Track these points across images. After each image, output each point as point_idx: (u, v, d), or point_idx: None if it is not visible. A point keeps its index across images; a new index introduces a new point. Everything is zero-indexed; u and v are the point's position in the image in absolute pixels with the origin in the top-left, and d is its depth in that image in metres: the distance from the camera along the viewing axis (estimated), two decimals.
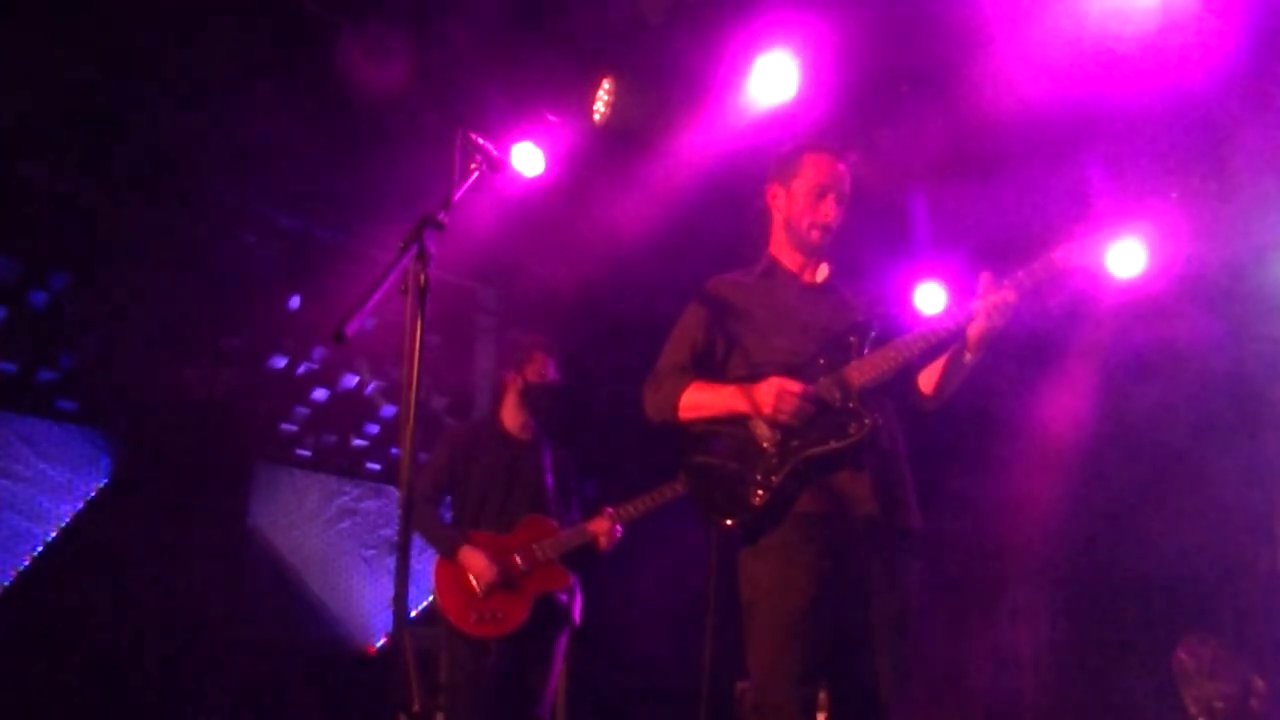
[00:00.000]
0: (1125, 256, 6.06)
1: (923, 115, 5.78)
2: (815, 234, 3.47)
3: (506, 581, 4.85)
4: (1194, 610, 6.64)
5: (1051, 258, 3.31)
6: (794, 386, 3.20)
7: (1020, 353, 6.80)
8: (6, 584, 6.04)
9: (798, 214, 3.48)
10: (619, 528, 4.98)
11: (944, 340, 3.30)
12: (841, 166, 3.50)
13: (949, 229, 6.63)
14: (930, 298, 6.89)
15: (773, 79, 5.47)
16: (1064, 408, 7.01)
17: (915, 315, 3.61)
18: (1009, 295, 3.22)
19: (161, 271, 6.41)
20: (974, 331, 3.25)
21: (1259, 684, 6.04)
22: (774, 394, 3.19)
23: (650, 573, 6.66)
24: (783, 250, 3.58)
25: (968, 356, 3.33)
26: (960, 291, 6.82)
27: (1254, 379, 6.58)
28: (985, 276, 3.27)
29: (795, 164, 3.51)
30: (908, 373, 3.41)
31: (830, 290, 3.53)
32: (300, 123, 5.47)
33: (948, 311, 3.35)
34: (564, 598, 5.02)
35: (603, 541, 4.97)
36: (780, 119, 5.54)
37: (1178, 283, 6.20)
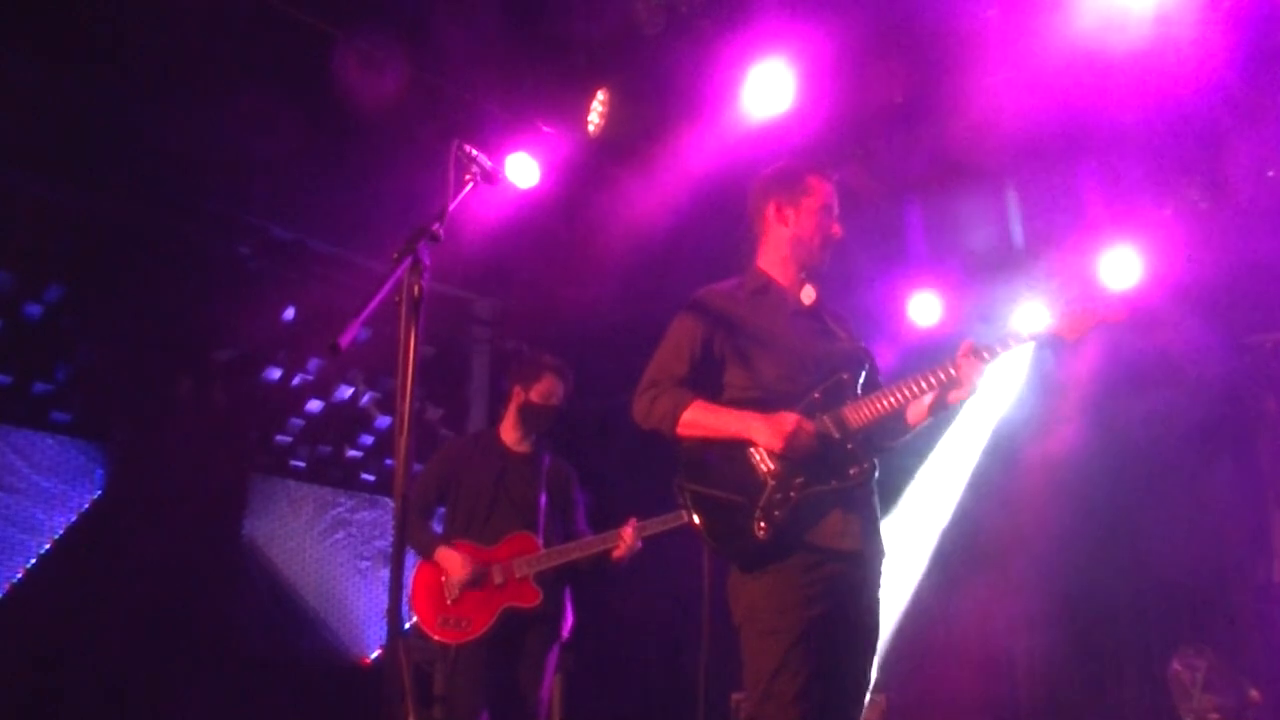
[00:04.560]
0: (1120, 268, 6.08)
1: (918, 126, 5.80)
2: (825, 254, 3.58)
3: (478, 590, 4.88)
4: (1189, 621, 6.64)
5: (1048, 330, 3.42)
6: (809, 426, 3.26)
7: (1015, 360, 6.81)
8: (0, 596, 6.02)
9: (810, 231, 3.55)
10: (639, 542, 4.96)
11: (929, 392, 3.37)
12: (833, 188, 3.61)
13: (944, 239, 6.64)
14: (925, 308, 6.90)
15: (768, 90, 5.48)
16: (1059, 417, 7.01)
17: (873, 351, 3.64)
18: (982, 367, 3.34)
19: (156, 283, 6.40)
20: (954, 398, 3.39)
21: (1254, 695, 6.03)
22: (790, 432, 3.24)
23: (646, 587, 6.65)
24: (777, 267, 3.60)
25: (930, 417, 3.47)
26: (954, 302, 6.83)
27: (1248, 389, 6.58)
28: (966, 345, 3.35)
29: (802, 182, 3.58)
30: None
31: (816, 315, 3.57)
32: (295, 134, 5.47)
33: (936, 366, 3.37)
34: (553, 612, 5.01)
35: (621, 550, 4.95)
36: (776, 130, 5.55)
37: (1172, 293, 6.20)
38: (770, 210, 3.59)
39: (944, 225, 6.64)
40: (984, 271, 6.65)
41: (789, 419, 3.25)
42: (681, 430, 3.39)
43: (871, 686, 3.37)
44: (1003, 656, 7.35)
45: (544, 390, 5.14)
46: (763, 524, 3.25)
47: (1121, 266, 6.09)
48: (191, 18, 5.03)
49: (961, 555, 7.42)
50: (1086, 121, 5.62)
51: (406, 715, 5.08)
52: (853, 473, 3.31)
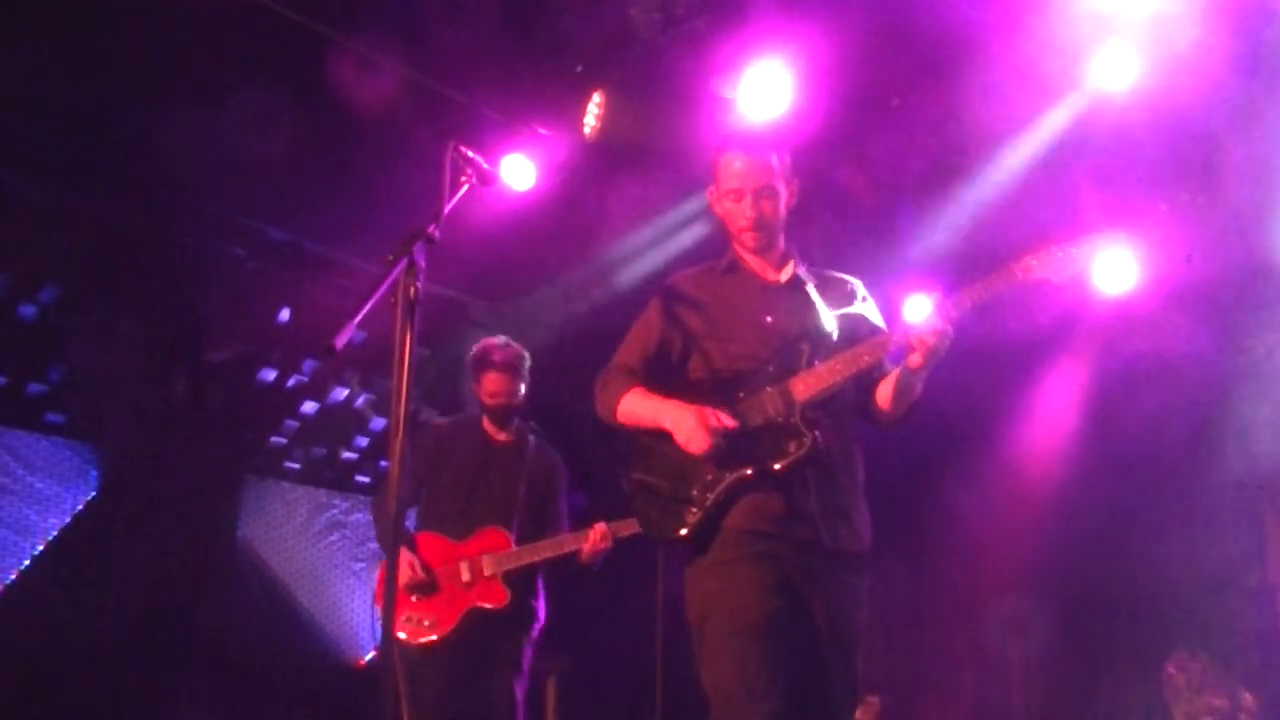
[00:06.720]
0: (1116, 270, 6.08)
1: (914, 127, 5.80)
2: (748, 237, 3.38)
3: (442, 588, 4.76)
4: (1183, 624, 6.64)
5: (1011, 270, 3.24)
6: (712, 422, 3.09)
7: (1011, 363, 6.81)
8: None
9: (728, 220, 3.42)
10: (605, 543, 4.80)
11: (893, 354, 3.19)
12: (749, 158, 3.34)
13: (939, 240, 6.63)
14: (921, 310, 6.89)
15: (764, 91, 5.48)
16: (1054, 419, 7.02)
17: (875, 318, 3.49)
18: (945, 327, 3.08)
19: (151, 284, 6.39)
20: (912, 363, 3.12)
21: (1248, 698, 6.03)
22: (689, 426, 3.11)
23: (643, 588, 6.65)
24: (741, 246, 3.48)
25: (913, 378, 3.20)
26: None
27: (1243, 392, 6.58)
28: (937, 298, 3.15)
29: (713, 168, 3.42)
30: (862, 386, 3.29)
31: (794, 289, 3.40)
32: (291, 135, 5.46)
33: (898, 325, 3.20)
34: (522, 613, 4.88)
35: (585, 551, 4.81)
36: (772, 131, 5.54)
37: (1167, 295, 6.21)
38: (710, 198, 3.49)
39: (940, 227, 6.63)
40: (979, 273, 6.64)
41: (688, 419, 3.11)
42: (620, 419, 3.34)
43: (861, 689, 3.15)
44: (997, 657, 7.35)
45: (488, 389, 5.06)
46: (694, 509, 3.14)
47: (1117, 268, 6.09)
48: (188, 19, 5.02)
49: (957, 555, 7.42)
50: (1082, 122, 5.62)
51: (400, 717, 5.07)
52: (791, 448, 3.10)
